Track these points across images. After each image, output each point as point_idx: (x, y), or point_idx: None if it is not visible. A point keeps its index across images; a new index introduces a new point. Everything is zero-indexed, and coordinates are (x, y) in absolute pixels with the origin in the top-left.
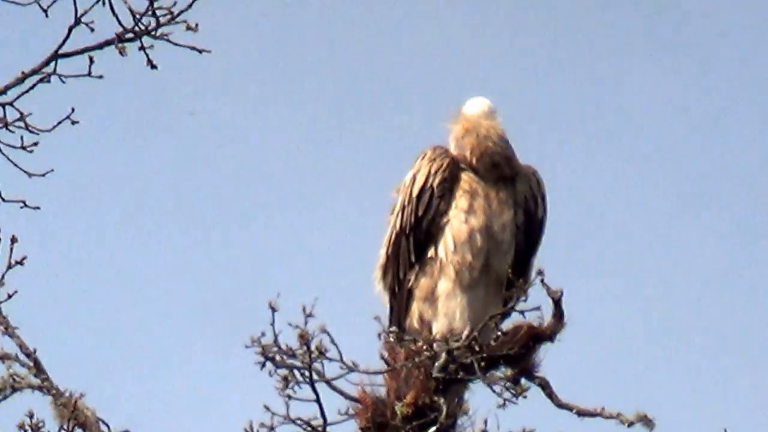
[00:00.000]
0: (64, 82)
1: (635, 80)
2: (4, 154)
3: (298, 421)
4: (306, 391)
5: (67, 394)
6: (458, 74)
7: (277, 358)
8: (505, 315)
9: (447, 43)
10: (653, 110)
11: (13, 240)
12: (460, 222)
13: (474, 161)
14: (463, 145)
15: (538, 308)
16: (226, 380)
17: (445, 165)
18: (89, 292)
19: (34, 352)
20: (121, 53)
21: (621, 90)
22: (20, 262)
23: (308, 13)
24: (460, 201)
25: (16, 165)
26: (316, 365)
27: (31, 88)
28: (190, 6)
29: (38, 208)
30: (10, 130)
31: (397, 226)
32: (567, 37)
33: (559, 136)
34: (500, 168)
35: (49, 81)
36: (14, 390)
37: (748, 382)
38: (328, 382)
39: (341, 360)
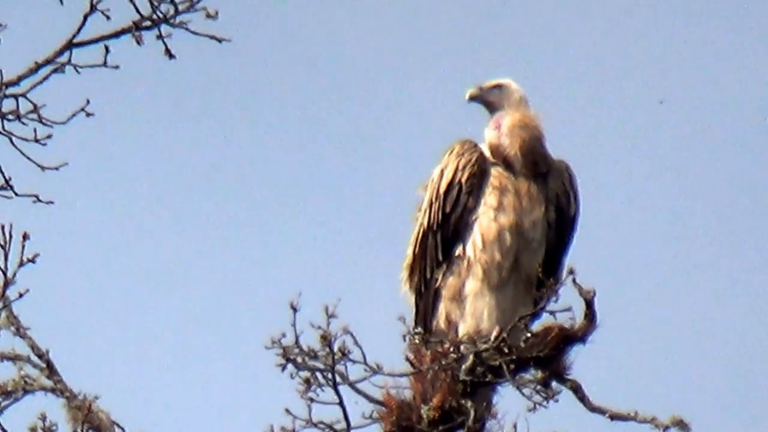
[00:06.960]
0: (79, 72)
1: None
2: (16, 146)
3: (321, 425)
4: (328, 393)
5: (80, 397)
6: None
7: (299, 359)
8: (535, 316)
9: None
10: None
11: (25, 237)
12: (489, 219)
13: (518, 155)
14: (514, 134)
15: (569, 309)
16: (245, 382)
17: (473, 159)
18: (104, 290)
19: (47, 353)
20: (137, 42)
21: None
22: (32, 260)
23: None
24: (489, 197)
25: (29, 158)
26: (339, 367)
27: (45, 78)
28: None
29: (52, 202)
30: (23, 122)
31: (424, 223)
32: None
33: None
34: (538, 166)
35: (63, 71)
36: (26, 392)
37: None
38: (352, 385)
39: (365, 362)
